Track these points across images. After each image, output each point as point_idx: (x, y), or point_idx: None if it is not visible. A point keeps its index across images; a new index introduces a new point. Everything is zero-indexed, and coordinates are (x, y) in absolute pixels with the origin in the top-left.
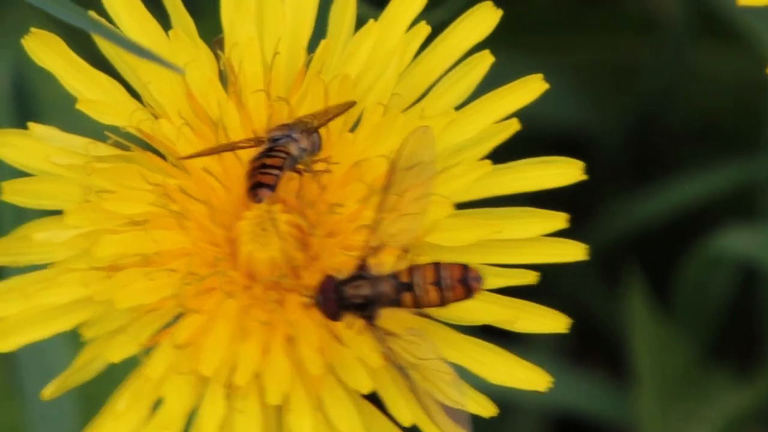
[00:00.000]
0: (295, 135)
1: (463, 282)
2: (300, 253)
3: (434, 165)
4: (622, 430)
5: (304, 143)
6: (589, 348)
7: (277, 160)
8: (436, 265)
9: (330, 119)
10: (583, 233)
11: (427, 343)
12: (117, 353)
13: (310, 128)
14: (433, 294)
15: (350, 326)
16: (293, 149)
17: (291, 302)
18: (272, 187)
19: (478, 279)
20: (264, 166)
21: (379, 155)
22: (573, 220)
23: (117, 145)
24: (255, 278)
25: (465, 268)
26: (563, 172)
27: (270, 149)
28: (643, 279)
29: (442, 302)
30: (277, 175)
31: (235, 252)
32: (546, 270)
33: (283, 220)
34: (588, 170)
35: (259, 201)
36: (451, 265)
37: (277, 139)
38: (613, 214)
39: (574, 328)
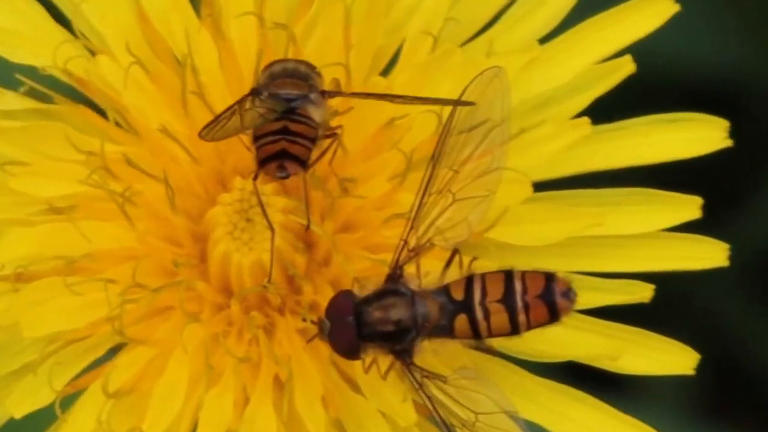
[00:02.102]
0: (313, 97)
1: (546, 299)
2: (302, 256)
3: (508, 125)
4: None
5: (322, 111)
6: (731, 395)
7: (306, 127)
8: (507, 274)
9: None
10: (724, 228)
11: (488, 390)
12: (21, 404)
13: (327, 92)
14: (500, 318)
15: (371, 367)
16: (316, 116)
17: (284, 329)
18: (304, 163)
19: (569, 294)
20: (288, 131)
21: (425, 111)
22: (709, 209)
23: (33, 94)
24: (233, 293)
25: (549, 277)
26: (699, 135)
27: (291, 110)
28: None
29: (514, 329)
30: (309, 148)
31: (204, 254)
32: (668, 283)
33: (279, 207)
34: (735, 133)
35: (285, 176)
36: (528, 274)
37: (293, 100)
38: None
39: (709, 367)
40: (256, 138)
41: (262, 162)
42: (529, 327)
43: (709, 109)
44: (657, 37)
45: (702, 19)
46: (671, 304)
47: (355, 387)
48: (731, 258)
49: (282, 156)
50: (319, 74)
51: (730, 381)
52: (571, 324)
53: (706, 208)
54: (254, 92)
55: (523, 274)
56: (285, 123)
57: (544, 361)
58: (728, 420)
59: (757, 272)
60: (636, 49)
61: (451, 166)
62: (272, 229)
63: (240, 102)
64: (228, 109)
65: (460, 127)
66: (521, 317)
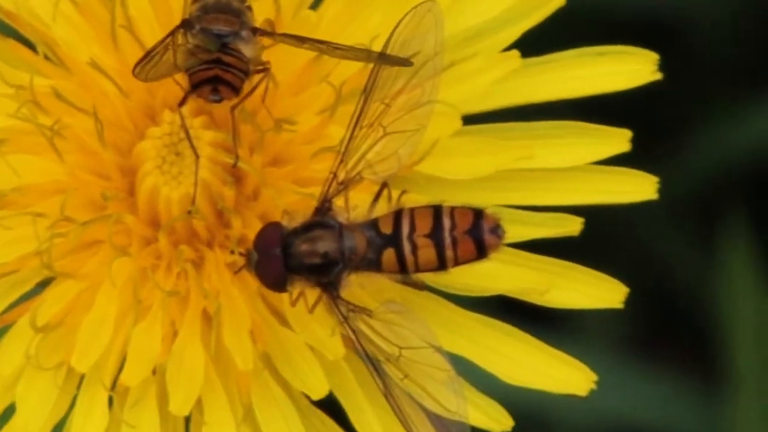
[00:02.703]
0: (244, 34)
1: (474, 235)
2: (230, 190)
3: (440, 59)
4: None
5: (252, 47)
6: (663, 333)
7: (238, 61)
8: (436, 210)
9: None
10: (658, 163)
11: (413, 324)
12: None
13: (258, 30)
14: (427, 252)
15: (298, 300)
16: (247, 52)
17: (212, 263)
18: (237, 90)
19: (497, 231)
20: (222, 62)
21: (355, 43)
22: (641, 142)
23: None
24: (161, 227)
25: (477, 213)
26: (629, 68)
27: (223, 45)
28: (748, 232)
29: (441, 264)
30: (242, 78)
31: (132, 188)
32: (601, 216)
33: (207, 140)
34: (668, 67)
35: (218, 100)
36: (457, 210)
37: (224, 36)
38: (706, 136)
39: (641, 303)
40: (190, 66)
41: (195, 86)
42: (457, 263)
43: (646, 43)
44: None
45: None
46: (604, 239)
47: (284, 321)
48: (663, 191)
49: (215, 81)
50: (249, 8)
51: (662, 314)
52: (499, 258)
53: (640, 141)
54: (185, 24)
55: (452, 209)
56: (218, 55)
57: (472, 295)
58: (660, 353)
59: (689, 205)
60: None
61: (383, 100)
62: (197, 156)
63: (171, 35)
64: (160, 43)
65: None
66: (449, 252)
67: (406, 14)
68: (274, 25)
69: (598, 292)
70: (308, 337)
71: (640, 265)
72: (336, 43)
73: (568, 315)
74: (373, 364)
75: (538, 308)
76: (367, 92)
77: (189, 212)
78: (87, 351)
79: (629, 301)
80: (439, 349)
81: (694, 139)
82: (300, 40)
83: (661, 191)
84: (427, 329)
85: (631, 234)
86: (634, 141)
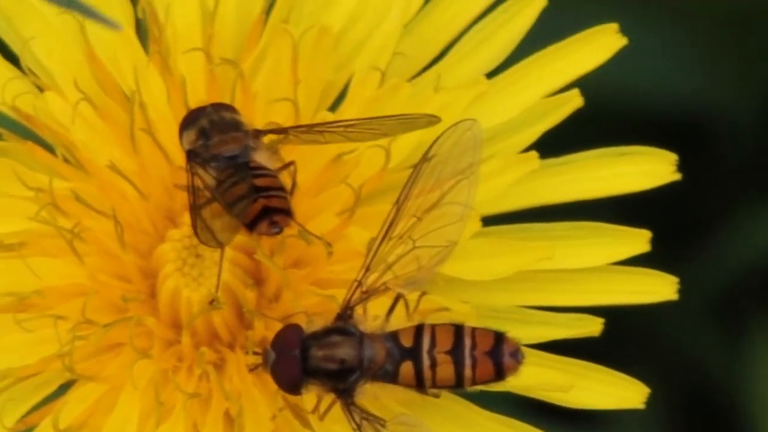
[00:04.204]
0: (251, 144)
1: (494, 357)
2: (251, 292)
3: (476, 178)
4: None
5: (266, 153)
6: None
7: (271, 180)
8: (457, 328)
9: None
10: (681, 264)
11: None
12: None
13: (260, 132)
14: (446, 369)
15: (317, 407)
16: (267, 162)
17: (234, 365)
18: (289, 212)
19: (516, 356)
20: (259, 189)
21: (373, 146)
22: (662, 243)
23: None
24: (182, 328)
25: (498, 336)
26: (648, 169)
27: (247, 166)
28: None
29: (459, 383)
30: (285, 197)
31: (153, 290)
32: (631, 318)
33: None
34: (687, 167)
35: (278, 232)
36: (479, 330)
37: (236, 156)
38: (731, 236)
39: (667, 402)
40: (229, 205)
41: (251, 224)
42: (474, 383)
43: (669, 142)
44: (607, 69)
45: (655, 49)
46: (634, 339)
47: (306, 423)
48: (693, 291)
49: (267, 213)
50: (237, 112)
51: (694, 412)
52: None
53: (665, 240)
54: (191, 156)
55: (473, 330)
56: (249, 182)
57: (490, 390)
58: None
59: (720, 306)
60: (584, 83)
61: (414, 213)
62: (222, 246)
63: (192, 173)
64: (192, 196)
65: (426, 175)
66: (468, 372)
67: (446, 130)
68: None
69: (619, 392)
70: None
71: (670, 363)
72: (349, 120)
73: (600, 416)
74: None
75: (569, 410)
76: (400, 202)
77: (211, 302)
78: None
79: (661, 399)
80: None
81: (720, 239)
82: (311, 129)
83: (689, 290)
84: None
85: (660, 333)
86: (660, 240)
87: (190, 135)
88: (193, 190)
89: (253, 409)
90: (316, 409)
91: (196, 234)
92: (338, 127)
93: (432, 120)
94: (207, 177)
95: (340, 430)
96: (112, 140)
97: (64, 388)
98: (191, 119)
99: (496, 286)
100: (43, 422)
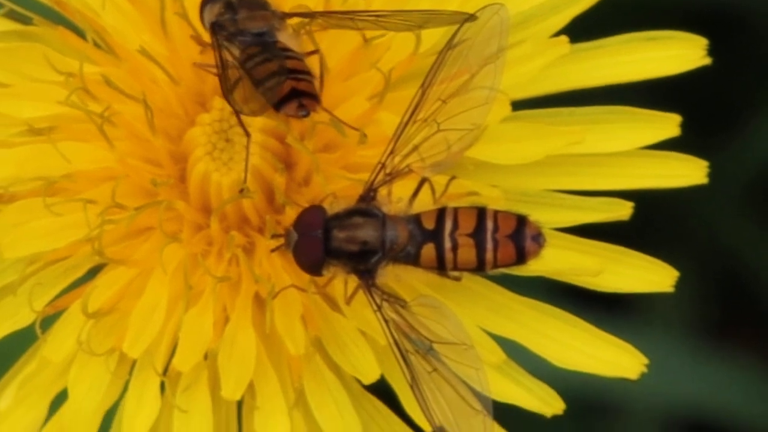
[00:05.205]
0: (277, 25)
1: (516, 239)
2: (281, 176)
3: (503, 62)
4: None
5: (293, 37)
6: (731, 321)
7: (299, 62)
8: (480, 211)
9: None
10: (712, 152)
11: (446, 320)
12: (1, 325)
13: (287, 14)
14: (467, 251)
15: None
16: (293, 45)
17: (263, 249)
18: (317, 97)
19: (538, 239)
20: (288, 70)
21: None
22: (693, 130)
23: (13, 16)
24: (212, 213)
25: (520, 219)
26: (677, 53)
27: (274, 46)
28: None
29: (480, 265)
30: (311, 81)
31: (183, 174)
32: (667, 202)
33: (258, 127)
34: (719, 52)
35: (306, 115)
36: (501, 214)
37: (263, 34)
38: (762, 125)
39: (710, 288)
40: (257, 81)
41: (278, 104)
42: (495, 266)
43: (700, 29)
44: None
45: None
46: (671, 223)
47: (335, 306)
48: (725, 179)
49: (293, 94)
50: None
51: (730, 307)
52: (550, 242)
53: (693, 127)
54: (216, 28)
55: (496, 212)
56: (279, 62)
57: (520, 275)
58: (729, 338)
59: (759, 192)
60: None
61: (440, 96)
62: (248, 134)
63: (219, 51)
64: (220, 65)
65: (453, 59)
66: (489, 254)
67: (470, 16)
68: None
69: (647, 275)
70: (359, 322)
71: (705, 252)
72: (377, 11)
73: (635, 300)
74: (402, 354)
75: (600, 294)
76: (425, 86)
77: (241, 191)
78: (139, 337)
79: (698, 285)
80: (470, 347)
81: (750, 128)
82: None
83: (721, 177)
84: (459, 325)
85: (699, 220)
86: (691, 126)
87: (215, 8)
88: (221, 62)
89: (283, 292)
90: (350, 299)
91: (228, 101)
92: (369, 15)
93: (456, 17)
94: (233, 50)
95: (369, 313)
96: (143, 25)
97: (92, 273)
98: (254, 13)
99: (526, 170)
100: (72, 306)
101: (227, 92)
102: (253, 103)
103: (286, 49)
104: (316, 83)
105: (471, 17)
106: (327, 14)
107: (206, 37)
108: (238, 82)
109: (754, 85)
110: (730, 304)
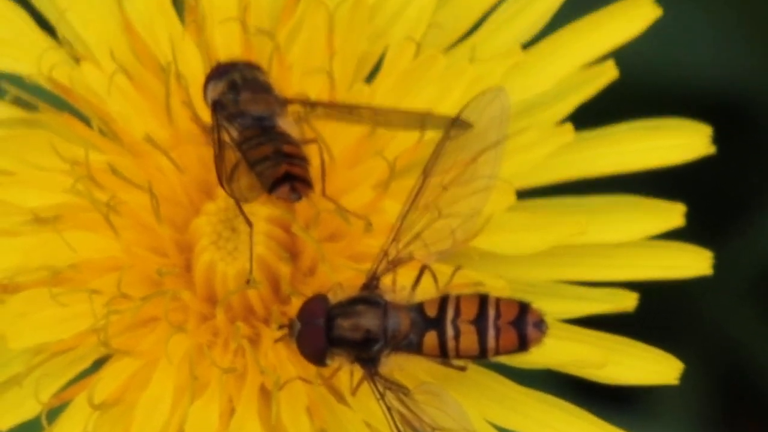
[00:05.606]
0: (278, 110)
1: (518, 326)
2: (286, 266)
3: (503, 146)
4: None
5: (292, 124)
6: (737, 413)
7: (296, 148)
8: (482, 298)
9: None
10: (717, 242)
11: (448, 407)
12: (6, 416)
13: (287, 100)
14: (470, 338)
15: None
16: (293, 132)
17: (269, 340)
18: (310, 183)
19: (540, 326)
20: (283, 154)
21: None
22: (699, 220)
23: (18, 102)
24: (217, 303)
25: (522, 307)
26: (682, 142)
27: (272, 131)
28: None
29: (482, 353)
30: (306, 168)
31: (189, 263)
32: (676, 294)
33: (263, 216)
34: (724, 145)
35: (297, 199)
36: (503, 301)
37: (263, 118)
38: None
39: (717, 381)
40: (251, 164)
41: (272, 186)
42: (497, 353)
43: (706, 119)
44: (642, 42)
45: (694, 21)
46: (678, 317)
47: (341, 398)
48: (731, 270)
49: (287, 178)
50: (268, 76)
51: (737, 392)
52: (554, 333)
53: (697, 217)
54: (219, 107)
55: (498, 299)
56: (275, 145)
57: (525, 367)
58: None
59: (765, 285)
60: (619, 55)
61: (440, 183)
62: (250, 224)
63: (217, 130)
64: (218, 148)
65: (453, 146)
66: (491, 342)
67: (473, 99)
68: (309, 100)
69: (652, 366)
70: (365, 414)
71: (710, 344)
72: (379, 108)
73: (641, 390)
74: None
75: (610, 390)
76: (426, 173)
77: (248, 282)
78: (144, 428)
79: (703, 377)
80: None
81: (757, 218)
82: (339, 107)
83: (726, 268)
84: (461, 412)
85: (706, 312)
86: (697, 217)
87: (219, 85)
88: (219, 142)
89: (289, 384)
90: (355, 390)
91: (221, 184)
92: (369, 111)
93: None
94: (232, 131)
95: (374, 405)
96: (148, 112)
97: (98, 364)
98: (222, 71)
99: (531, 260)
100: (77, 397)
101: (222, 176)
102: (247, 187)
103: (284, 135)
104: (312, 171)
105: (465, 124)
106: (328, 105)
107: (206, 118)
108: (236, 167)
109: (761, 176)
110: (735, 397)
